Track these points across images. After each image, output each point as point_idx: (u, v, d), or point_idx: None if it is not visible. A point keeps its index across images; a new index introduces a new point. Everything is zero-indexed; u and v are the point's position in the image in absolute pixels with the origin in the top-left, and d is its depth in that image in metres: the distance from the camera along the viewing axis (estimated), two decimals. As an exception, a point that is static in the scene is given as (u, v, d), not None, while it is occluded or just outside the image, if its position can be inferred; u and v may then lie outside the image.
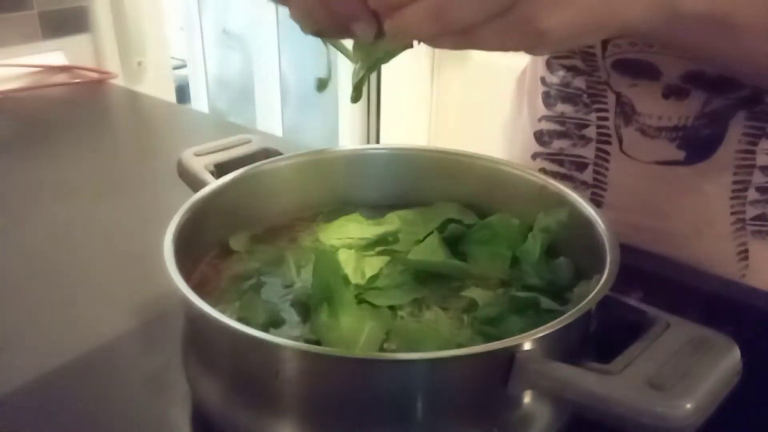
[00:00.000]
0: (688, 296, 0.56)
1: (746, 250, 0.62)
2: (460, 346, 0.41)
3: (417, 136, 2.17)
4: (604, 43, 0.60)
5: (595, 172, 0.66)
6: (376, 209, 0.58)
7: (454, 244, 0.53)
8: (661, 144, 0.61)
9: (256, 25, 2.47)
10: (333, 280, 0.44)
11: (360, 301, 0.46)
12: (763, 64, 0.50)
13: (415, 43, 0.41)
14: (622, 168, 0.64)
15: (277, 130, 2.56)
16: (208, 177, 0.53)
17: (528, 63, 0.77)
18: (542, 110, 0.70)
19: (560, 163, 0.68)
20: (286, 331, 0.44)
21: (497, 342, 0.36)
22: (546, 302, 0.44)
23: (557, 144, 0.68)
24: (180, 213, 0.46)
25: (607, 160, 0.65)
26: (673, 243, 0.63)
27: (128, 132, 1.07)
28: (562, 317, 0.37)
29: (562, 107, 0.67)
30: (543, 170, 0.69)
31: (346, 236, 0.54)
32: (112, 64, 1.38)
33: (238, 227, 0.53)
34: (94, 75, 1.21)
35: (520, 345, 0.35)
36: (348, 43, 0.45)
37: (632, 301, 0.41)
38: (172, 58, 1.77)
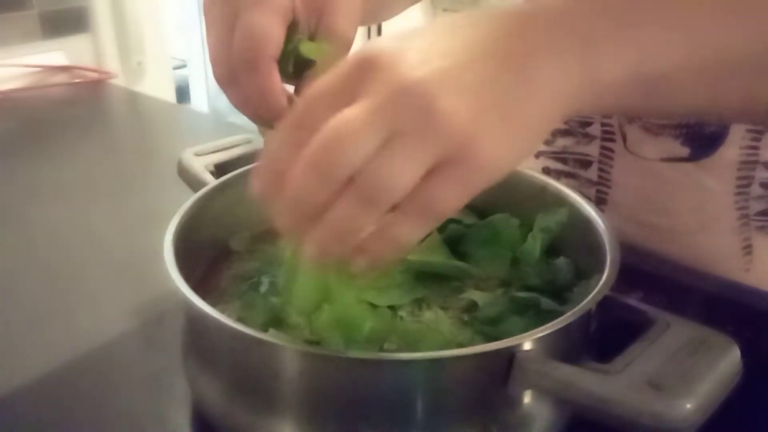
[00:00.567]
0: (688, 296, 0.56)
1: (750, 245, 0.62)
2: (460, 346, 0.41)
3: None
4: None
5: (600, 169, 0.66)
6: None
7: (455, 244, 0.53)
8: (665, 141, 0.61)
9: (256, 25, 2.46)
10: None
11: (360, 301, 0.46)
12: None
13: None
14: (627, 165, 0.64)
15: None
16: (208, 177, 0.53)
17: None
18: None
19: (564, 161, 0.68)
20: (286, 331, 0.44)
21: (497, 342, 0.36)
22: (546, 302, 0.44)
23: (561, 142, 0.68)
24: (180, 213, 0.46)
25: (611, 158, 0.65)
26: (677, 239, 0.63)
27: (128, 132, 1.07)
28: (562, 317, 0.37)
29: None
30: (547, 168, 0.69)
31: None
32: (112, 64, 1.38)
33: (238, 227, 0.53)
34: (94, 75, 1.21)
35: (520, 345, 0.35)
36: None
37: (632, 301, 0.41)
38: (172, 58, 1.77)
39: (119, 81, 1.30)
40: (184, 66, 2.82)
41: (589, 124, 0.65)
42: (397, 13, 0.68)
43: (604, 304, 0.39)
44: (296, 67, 0.43)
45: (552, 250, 0.50)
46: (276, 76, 0.41)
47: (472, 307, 0.46)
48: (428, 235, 0.53)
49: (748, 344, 0.37)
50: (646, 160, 0.63)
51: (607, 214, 0.64)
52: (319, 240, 0.32)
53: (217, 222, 0.51)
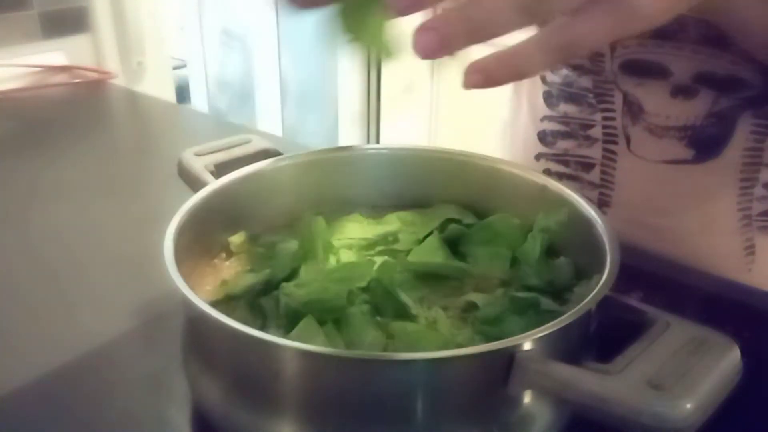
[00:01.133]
0: (688, 296, 0.56)
1: (753, 246, 0.62)
2: (460, 346, 0.41)
3: (417, 136, 2.17)
4: (613, 43, 0.60)
5: (602, 172, 0.65)
6: (376, 209, 0.58)
7: (454, 244, 0.53)
8: (669, 143, 0.61)
9: (256, 25, 2.47)
10: (315, 239, 0.48)
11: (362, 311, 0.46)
12: None
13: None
14: (630, 167, 0.64)
15: (277, 130, 2.56)
16: (208, 177, 0.53)
17: None
18: (544, 110, 0.69)
19: (566, 163, 0.68)
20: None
21: (497, 342, 0.36)
22: (546, 302, 0.44)
23: (562, 144, 0.68)
24: (180, 213, 0.46)
25: (614, 160, 0.64)
26: (679, 240, 0.63)
27: (128, 132, 1.07)
28: (562, 317, 0.37)
29: (565, 107, 0.67)
30: (548, 171, 0.69)
31: (346, 236, 0.54)
32: (112, 64, 1.38)
33: (238, 227, 0.53)
34: (94, 75, 1.21)
35: (520, 345, 0.35)
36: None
37: (632, 301, 0.41)
38: (172, 58, 1.77)
39: (119, 81, 1.30)
40: (184, 66, 2.82)
41: (590, 126, 0.65)
42: None
43: (604, 304, 0.39)
44: None
45: (552, 250, 0.50)
46: None
47: (472, 307, 0.46)
48: (428, 235, 0.53)
49: (748, 344, 0.37)
50: (649, 162, 0.63)
51: (609, 216, 0.64)
52: (454, 28, 0.34)
53: (217, 222, 0.51)
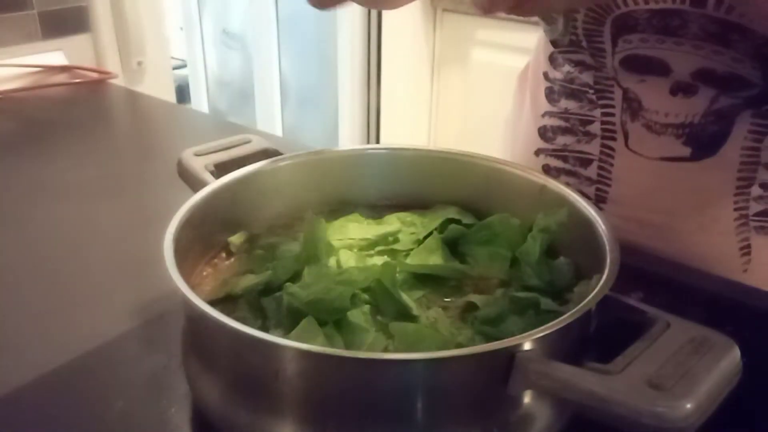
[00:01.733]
0: (688, 296, 0.56)
1: (749, 246, 0.62)
2: (460, 346, 0.41)
3: (417, 136, 2.17)
4: (615, 39, 0.60)
5: (600, 168, 0.66)
6: (376, 209, 0.58)
7: (454, 244, 0.53)
8: (667, 140, 0.61)
9: (256, 25, 2.47)
10: (317, 242, 0.49)
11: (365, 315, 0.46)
12: None
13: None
14: (628, 164, 0.64)
15: (277, 130, 2.56)
16: (208, 177, 0.53)
17: (530, 59, 0.77)
18: (545, 106, 0.69)
19: (564, 159, 0.68)
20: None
21: (497, 342, 0.36)
22: (546, 303, 0.44)
23: (561, 140, 0.68)
24: (180, 213, 0.46)
25: (612, 156, 0.65)
26: (676, 238, 0.63)
27: (128, 132, 1.07)
28: (562, 317, 0.37)
29: (565, 103, 0.67)
30: (547, 166, 0.69)
31: (346, 236, 0.54)
32: (112, 64, 1.38)
33: (238, 227, 0.53)
34: (94, 75, 1.21)
35: (520, 345, 0.35)
36: None
37: (632, 301, 0.41)
38: (172, 58, 1.77)
39: (119, 81, 1.30)
40: (184, 66, 2.82)
41: (589, 122, 0.65)
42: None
43: (604, 304, 0.39)
44: None
45: (552, 250, 0.50)
46: None
47: (472, 307, 0.46)
48: (427, 236, 0.53)
49: (748, 344, 0.37)
50: (647, 159, 0.63)
51: (606, 213, 0.64)
52: None
53: (217, 222, 0.51)
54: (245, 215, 0.54)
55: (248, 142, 0.58)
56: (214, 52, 2.76)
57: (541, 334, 0.36)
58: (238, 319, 0.39)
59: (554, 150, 0.69)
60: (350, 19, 2.11)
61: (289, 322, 0.44)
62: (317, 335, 0.42)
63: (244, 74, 2.65)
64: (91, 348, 0.52)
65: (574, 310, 0.37)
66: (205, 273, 0.51)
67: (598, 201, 0.66)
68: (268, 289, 0.47)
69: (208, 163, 0.55)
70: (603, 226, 0.46)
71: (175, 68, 2.20)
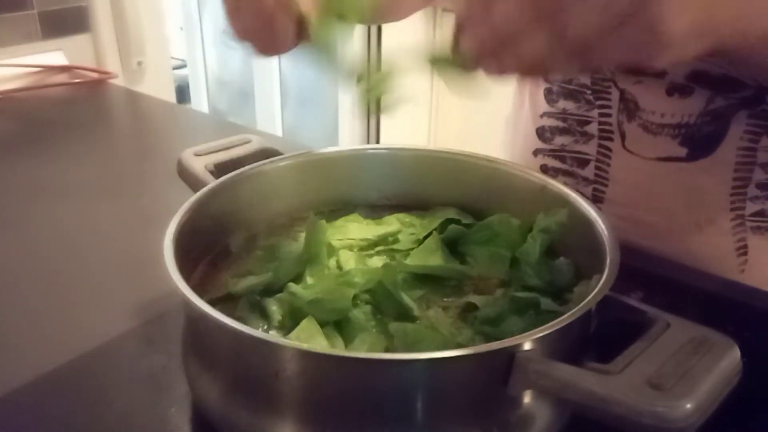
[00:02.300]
0: (688, 296, 0.56)
1: (745, 246, 0.62)
2: (460, 346, 0.41)
3: (417, 136, 2.17)
4: None
5: (597, 168, 0.66)
6: (375, 209, 0.58)
7: (454, 244, 0.53)
8: (663, 140, 0.61)
9: (256, 25, 2.46)
10: (319, 243, 0.49)
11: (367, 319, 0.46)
12: None
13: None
14: (624, 164, 0.64)
15: (277, 130, 2.55)
16: (208, 177, 0.53)
17: None
18: (544, 106, 0.70)
19: (562, 159, 0.68)
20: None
21: (497, 342, 0.36)
22: (546, 303, 0.44)
23: (559, 140, 0.68)
24: (180, 213, 0.47)
25: (608, 156, 0.65)
26: (673, 238, 0.63)
27: (128, 132, 1.07)
28: (562, 317, 0.37)
29: (564, 103, 0.67)
30: (545, 166, 0.69)
31: (346, 236, 0.54)
32: (112, 64, 1.38)
33: (238, 227, 0.53)
34: (94, 75, 1.21)
35: (520, 345, 0.35)
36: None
37: (632, 301, 0.41)
38: (172, 58, 1.77)
39: (119, 81, 1.30)
40: (184, 66, 2.82)
41: (587, 122, 0.65)
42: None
43: (604, 304, 0.39)
44: None
45: (552, 250, 0.50)
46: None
47: (472, 307, 0.46)
48: (427, 236, 0.53)
49: (748, 344, 0.37)
50: (643, 159, 0.63)
51: (603, 212, 0.64)
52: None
53: (217, 222, 0.51)
54: (245, 215, 0.54)
55: (248, 142, 0.58)
56: (214, 52, 2.76)
57: (541, 334, 0.36)
58: (238, 319, 0.39)
59: (552, 150, 0.69)
60: (350, 19, 2.11)
61: (290, 322, 0.44)
62: (318, 336, 0.42)
63: (244, 74, 2.65)
64: (91, 348, 0.52)
65: (574, 310, 0.37)
66: (205, 273, 0.51)
67: (595, 201, 0.66)
68: (269, 290, 0.47)
69: (208, 163, 0.55)
70: (603, 226, 0.46)
71: (175, 68, 2.20)
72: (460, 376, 0.36)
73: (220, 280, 0.50)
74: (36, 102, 1.09)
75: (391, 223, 0.56)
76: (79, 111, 1.08)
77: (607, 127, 0.64)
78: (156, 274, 0.40)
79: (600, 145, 0.65)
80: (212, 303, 0.38)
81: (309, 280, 0.48)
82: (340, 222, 0.56)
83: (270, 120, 2.58)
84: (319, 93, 2.42)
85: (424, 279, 0.49)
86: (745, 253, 0.62)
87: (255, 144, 0.58)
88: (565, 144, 0.68)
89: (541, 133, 0.70)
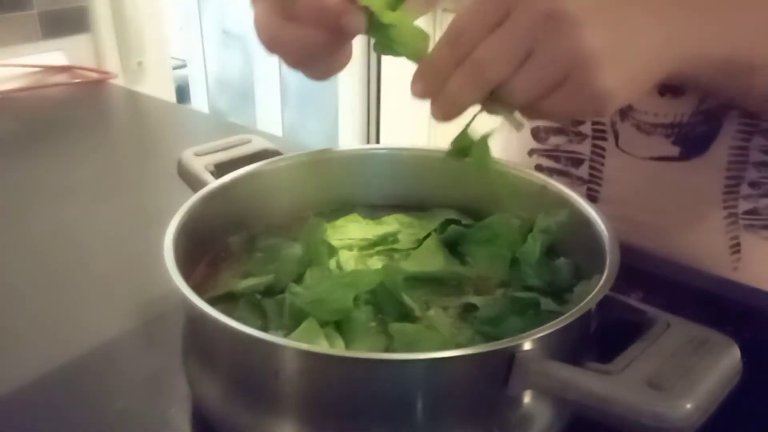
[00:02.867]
0: (688, 296, 0.56)
1: (738, 244, 0.62)
2: (460, 346, 0.41)
3: (417, 136, 2.17)
4: None
5: (591, 167, 0.66)
6: (376, 209, 0.58)
7: (454, 244, 0.53)
8: (656, 140, 0.61)
9: (256, 25, 2.46)
10: (320, 245, 0.49)
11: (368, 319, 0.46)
12: None
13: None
14: (618, 163, 0.64)
15: (277, 130, 2.55)
16: (208, 177, 0.53)
17: None
18: None
19: (556, 159, 0.69)
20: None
21: (497, 342, 0.36)
22: (546, 303, 0.44)
23: (553, 140, 0.68)
24: (180, 213, 0.46)
25: (602, 156, 0.65)
26: (666, 237, 0.64)
27: (128, 132, 1.07)
28: (562, 317, 0.37)
29: None
30: (539, 166, 0.70)
31: (346, 237, 0.54)
32: (112, 64, 1.38)
33: (238, 227, 0.53)
34: (94, 75, 1.21)
35: (520, 345, 0.35)
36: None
37: (632, 301, 0.41)
38: (172, 58, 1.77)
39: (119, 81, 1.30)
40: (184, 66, 2.82)
41: (580, 122, 0.66)
42: None
43: (604, 304, 0.39)
44: None
45: (552, 250, 0.50)
46: None
47: (472, 307, 0.46)
48: (426, 236, 0.53)
49: (748, 344, 0.37)
50: (637, 158, 0.63)
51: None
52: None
53: (217, 222, 0.51)
54: (245, 215, 0.54)
55: (248, 142, 0.58)
56: (214, 52, 2.76)
57: (541, 334, 0.36)
58: (238, 319, 0.39)
59: (546, 150, 0.69)
60: (350, 19, 2.11)
61: (291, 322, 0.44)
62: (319, 337, 0.42)
63: (244, 74, 2.65)
64: (91, 348, 0.52)
65: (574, 310, 0.37)
66: (205, 273, 0.51)
67: (589, 200, 0.67)
68: (270, 291, 0.47)
69: (208, 163, 0.55)
70: (603, 226, 0.46)
71: (175, 68, 2.20)
72: (460, 376, 0.36)
73: (220, 280, 0.50)
74: (36, 102, 1.09)
75: (391, 224, 0.56)
76: (79, 111, 1.08)
77: (600, 127, 0.65)
78: (156, 274, 0.40)
79: (594, 145, 0.65)
80: (212, 302, 0.38)
81: (310, 281, 0.48)
82: (339, 222, 0.56)
83: (270, 120, 2.58)
84: (319, 93, 2.42)
85: (424, 280, 0.49)
86: (739, 251, 0.62)
87: (255, 144, 0.58)
88: (559, 144, 0.68)
89: (535, 133, 0.70)
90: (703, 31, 0.43)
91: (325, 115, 2.40)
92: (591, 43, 0.36)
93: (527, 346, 0.35)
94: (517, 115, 0.42)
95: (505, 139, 0.79)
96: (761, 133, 0.59)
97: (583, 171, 0.67)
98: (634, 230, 0.63)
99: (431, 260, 0.51)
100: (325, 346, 0.41)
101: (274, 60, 2.48)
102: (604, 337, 0.41)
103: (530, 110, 0.40)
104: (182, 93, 2.57)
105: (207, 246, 0.51)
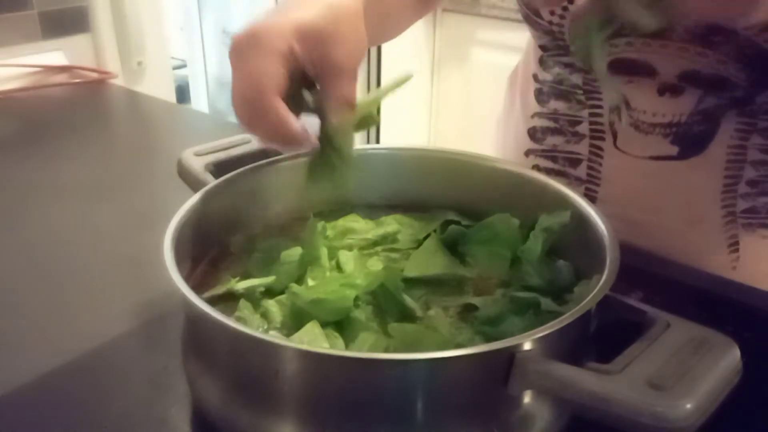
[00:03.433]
0: (688, 296, 0.56)
1: (737, 242, 0.62)
2: (460, 346, 0.41)
3: (417, 136, 2.17)
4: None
5: (589, 167, 0.66)
6: (374, 210, 0.58)
7: (454, 244, 0.53)
8: (654, 139, 0.61)
9: (256, 25, 2.46)
10: (319, 245, 0.50)
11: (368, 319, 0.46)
12: None
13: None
14: (616, 163, 0.65)
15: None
16: (208, 177, 0.53)
17: (520, 61, 0.77)
18: (535, 107, 0.70)
19: (554, 159, 0.69)
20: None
21: (497, 342, 0.36)
22: (546, 303, 0.44)
23: (550, 140, 0.68)
24: (180, 213, 0.47)
25: (600, 156, 0.65)
26: (665, 236, 0.64)
27: (128, 132, 1.07)
28: (562, 317, 0.37)
29: (555, 104, 0.68)
30: (536, 167, 0.70)
31: (345, 237, 0.54)
32: (112, 64, 1.38)
33: (238, 227, 0.53)
34: (94, 75, 1.21)
35: (520, 345, 0.35)
36: None
37: (632, 301, 0.41)
38: (172, 58, 1.77)
39: (119, 81, 1.30)
40: (184, 66, 2.82)
41: (578, 122, 0.66)
42: (402, 31, 0.69)
43: (604, 304, 0.39)
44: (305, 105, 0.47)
45: (552, 251, 0.50)
46: (281, 108, 0.45)
47: (472, 307, 0.46)
48: (426, 237, 0.53)
49: (748, 344, 0.37)
50: (635, 158, 0.63)
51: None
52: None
53: (217, 222, 0.51)
54: (244, 215, 0.54)
55: (248, 142, 0.58)
56: (214, 52, 2.76)
57: (541, 334, 0.36)
58: (238, 319, 0.39)
59: (544, 150, 0.69)
60: (350, 19, 2.11)
61: (292, 322, 0.44)
62: (321, 339, 0.42)
63: (244, 74, 2.64)
64: (91, 348, 0.52)
65: (574, 310, 0.37)
66: (205, 273, 0.51)
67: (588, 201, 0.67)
68: (271, 292, 0.47)
69: (207, 163, 0.55)
70: (603, 227, 0.46)
71: (175, 68, 2.20)
72: (460, 376, 0.36)
73: (220, 280, 0.50)
74: (36, 102, 1.09)
75: (390, 224, 0.56)
76: (79, 111, 1.08)
77: (598, 127, 0.65)
78: (156, 274, 0.40)
79: (592, 145, 0.65)
80: (212, 302, 0.38)
81: (310, 281, 0.48)
82: (339, 222, 0.56)
83: (270, 120, 2.58)
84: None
85: (424, 280, 0.49)
86: (737, 250, 0.62)
87: (255, 144, 0.58)
88: (556, 144, 0.68)
89: (532, 133, 0.70)
90: None
91: (325, 115, 2.40)
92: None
93: (527, 346, 0.35)
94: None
95: (501, 140, 0.79)
96: (759, 131, 0.59)
97: (581, 171, 0.67)
98: (633, 229, 0.63)
99: (431, 260, 0.51)
100: (325, 346, 0.41)
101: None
102: (604, 337, 0.41)
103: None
104: (182, 93, 2.57)
105: (207, 246, 0.51)
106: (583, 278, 0.47)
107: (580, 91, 0.65)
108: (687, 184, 0.62)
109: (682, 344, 0.36)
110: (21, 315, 0.57)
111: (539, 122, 0.69)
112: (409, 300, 0.45)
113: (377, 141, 2.28)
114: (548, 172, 0.69)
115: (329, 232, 0.54)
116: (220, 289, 0.48)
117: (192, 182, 0.53)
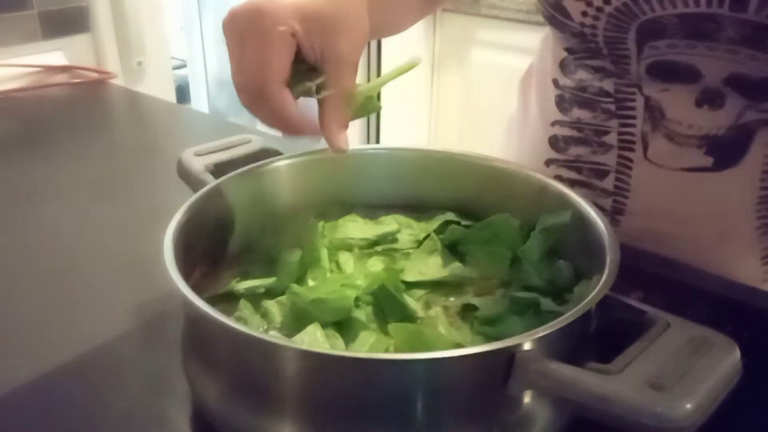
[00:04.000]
0: (688, 296, 0.56)
1: None
2: (460, 346, 0.41)
3: (417, 136, 2.17)
4: (640, 45, 0.57)
5: (617, 179, 0.64)
6: (375, 209, 0.58)
7: (454, 244, 0.53)
8: (688, 151, 0.59)
9: (256, 25, 2.46)
10: (321, 249, 0.50)
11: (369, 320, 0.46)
12: None
13: None
14: (646, 175, 0.62)
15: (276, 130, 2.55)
16: (208, 177, 0.53)
17: (532, 64, 0.74)
18: (555, 114, 0.67)
19: (578, 170, 0.66)
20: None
21: (497, 342, 0.36)
22: (546, 303, 0.44)
23: (574, 150, 0.66)
24: (180, 213, 0.46)
25: (629, 167, 0.63)
26: (695, 249, 0.62)
27: (128, 132, 1.07)
28: (562, 317, 0.37)
29: (578, 112, 0.65)
30: (559, 177, 0.67)
31: (345, 237, 0.54)
32: (112, 64, 1.38)
33: (238, 227, 0.53)
34: (94, 75, 1.21)
35: (520, 345, 0.35)
36: None
37: (632, 301, 0.41)
38: (172, 58, 1.77)
39: (119, 81, 1.30)
40: (184, 66, 2.82)
41: (605, 132, 0.63)
42: (405, 27, 0.68)
43: (604, 304, 0.39)
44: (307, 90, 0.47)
45: (552, 252, 0.50)
46: (285, 97, 0.45)
47: (473, 307, 0.46)
48: (426, 237, 0.53)
49: (748, 344, 0.37)
50: (666, 169, 0.61)
51: (624, 225, 0.62)
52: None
53: (217, 222, 0.51)
54: (245, 215, 0.54)
55: (248, 142, 0.58)
56: (214, 52, 2.76)
57: (541, 334, 0.36)
58: (238, 320, 0.39)
59: (567, 161, 0.66)
60: (350, 19, 2.11)
61: (292, 322, 0.44)
62: (322, 340, 0.42)
63: (244, 74, 2.64)
64: (91, 348, 0.52)
65: (574, 310, 0.37)
66: (205, 273, 0.51)
67: (615, 213, 0.64)
68: (271, 293, 0.47)
69: (208, 163, 0.55)
70: (603, 227, 0.46)
71: (175, 68, 2.20)
72: (460, 376, 0.36)
73: (220, 280, 0.50)
74: (36, 102, 1.09)
75: (390, 224, 0.56)
76: (79, 111, 1.08)
77: (628, 137, 0.62)
78: (156, 274, 0.40)
79: (620, 156, 0.63)
80: (212, 302, 0.38)
81: (311, 282, 0.48)
82: (339, 222, 0.56)
83: (270, 120, 2.58)
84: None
85: (425, 280, 0.49)
86: None
87: (255, 144, 0.58)
88: (581, 155, 0.65)
89: (553, 142, 0.67)
90: None
91: (325, 115, 2.40)
92: None
93: (527, 346, 0.35)
94: None
95: (515, 147, 0.76)
96: None
97: (608, 183, 0.64)
98: (663, 242, 0.61)
99: (431, 260, 0.51)
100: (325, 346, 0.41)
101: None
102: (604, 337, 0.41)
103: None
104: (182, 93, 2.57)
105: (207, 246, 0.51)
106: (583, 278, 0.47)
107: (609, 99, 0.62)
108: (720, 196, 0.60)
109: (682, 344, 0.36)
110: (20, 315, 0.57)
111: (561, 131, 0.66)
112: (409, 300, 0.45)
113: (377, 141, 2.28)
114: (572, 183, 0.66)
115: (329, 232, 0.54)
116: (220, 290, 0.48)
117: (192, 182, 0.53)
